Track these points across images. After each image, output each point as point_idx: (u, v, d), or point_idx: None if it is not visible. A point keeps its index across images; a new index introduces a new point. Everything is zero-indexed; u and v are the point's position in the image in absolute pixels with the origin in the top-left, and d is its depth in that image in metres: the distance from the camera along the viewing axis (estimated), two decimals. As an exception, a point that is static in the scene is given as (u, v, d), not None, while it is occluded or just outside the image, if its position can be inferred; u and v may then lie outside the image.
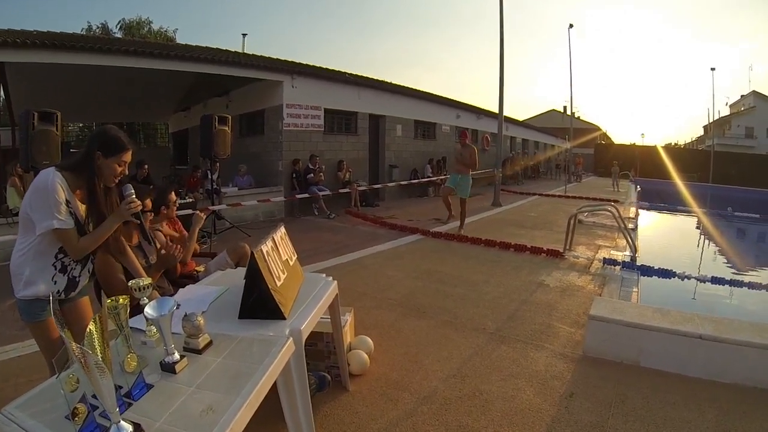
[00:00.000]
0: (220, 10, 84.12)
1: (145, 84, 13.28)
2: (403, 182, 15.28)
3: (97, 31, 32.35)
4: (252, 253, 2.10)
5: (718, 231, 14.61)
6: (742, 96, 55.61)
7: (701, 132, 59.43)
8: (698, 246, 11.82)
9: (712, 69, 56.87)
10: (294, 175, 11.72)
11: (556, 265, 6.79)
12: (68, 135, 21.59)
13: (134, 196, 2.34)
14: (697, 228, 15.19)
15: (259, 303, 2.09)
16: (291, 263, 2.55)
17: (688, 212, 17.34)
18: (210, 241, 8.08)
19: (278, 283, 2.18)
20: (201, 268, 3.94)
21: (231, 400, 1.49)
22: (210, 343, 1.87)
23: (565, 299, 5.20)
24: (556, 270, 6.50)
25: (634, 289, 5.80)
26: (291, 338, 1.92)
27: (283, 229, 2.70)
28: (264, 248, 2.20)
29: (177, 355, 1.71)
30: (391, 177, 15.33)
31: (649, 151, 39.83)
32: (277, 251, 2.38)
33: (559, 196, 17.80)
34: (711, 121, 45.36)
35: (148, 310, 1.68)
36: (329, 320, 2.93)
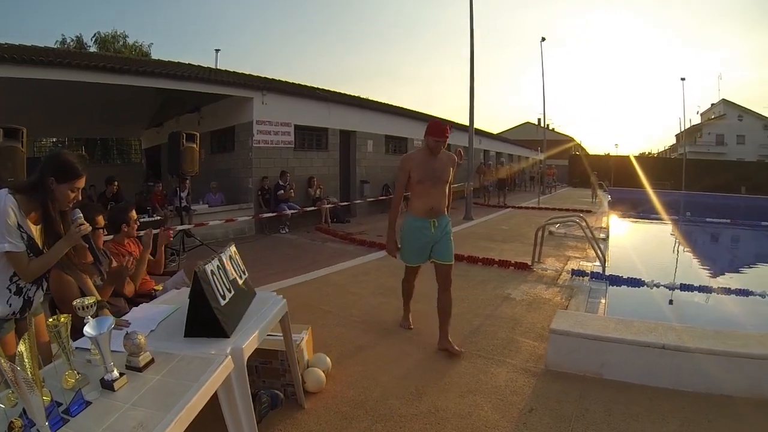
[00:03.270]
0: (194, 25, 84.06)
1: (118, 99, 13.19)
2: (374, 198, 15.35)
3: (72, 44, 32.02)
4: (195, 272, 2.16)
5: (690, 238, 14.96)
6: (712, 104, 57.56)
7: (674, 141, 60.86)
8: (671, 253, 11.99)
9: (682, 79, 58.37)
10: (260, 193, 11.74)
11: (524, 278, 6.86)
12: (40, 150, 21.32)
13: (82, 218, 2.36)
14: (670, 235, 15.51)
15: (202, 322, 2.15)
16: (240, 282, 2.60)
17: (660, 220, 17.70)
18: (179, 258, 8.06)
19: (222, 302, 2.23)
20: (159, 288, 3.95)
21: (162, 416, 1.55)
22: (151, 361, 1.92)
23: (530, 313, 5.25)
24: (523, 283, 6.58)
25: (602, 300, 5.88)
26: (229, 356, 1.97)
27: (233, 248, 2.76)
28: (209, 268, 2.25)
29: (116, 373, 1.76)
30: (363, 193, 15.39)
31: (623, 161, 40.66)
32: (224, 270, 2.44)
33: (532, 208, 17.98)
34: (682, 129, 46.84)
35: (87, 329, 1.74)
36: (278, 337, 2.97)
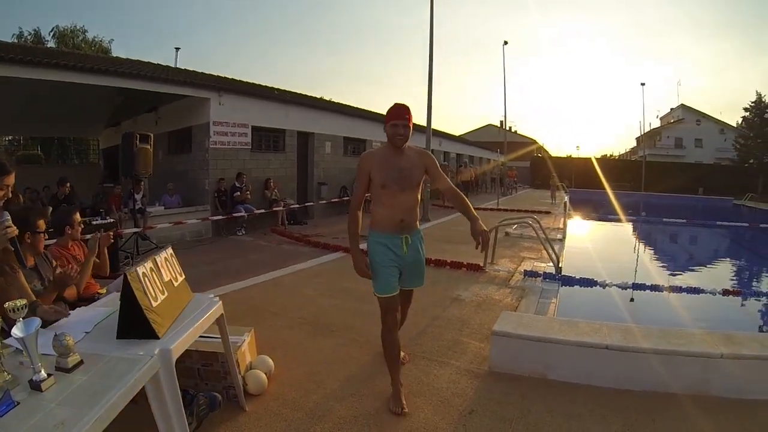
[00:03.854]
0: (156, 21, 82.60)
1: (74, 98, 12.94)
2: (332, 200, 15.40)
3: (29, 38, 31.29)
4: (125, 275, 2.21)
5: (646, 238, 15.49)
6: (671, 109, 59.72)
7: (635, 143, 62.67)
8: (627, 253, 12.39)
9: (642, 84, 61.22)
10: (217, 195, 11.71)
11: (476, 280, 6.96)
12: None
13: (9, 221, 2.37)
14: (627, 235, 16.04)
15: (133, 323, 2.19)
16: (175, 284, 2.65)
17: (618, 221, 18.21)
18: (133, 262, 8.00)
19: (154, 304, 2.28)
20: (103, 291, 3.95)
21: (83, 414, 1.60)
22: (80, 363, 1.96)
23: (479, 314, 5.31)
24: (474, 284, 6.68)
25: (553, 301, 5.98)
26: (156, 357, 2.04)
27: (170, 251, 2.81)
28: (140, 270, 2.31)
29: (44, 374, 1.80)
30: (320, 195, 15.41)
31: (585, 163, 41.92)
32: (158, 272, 2.49)
33: (491, 210, 18.17)
34: (642, 133, 48.48)
35: (14, 331, 1.78)
36: (218, 339, 3.02)
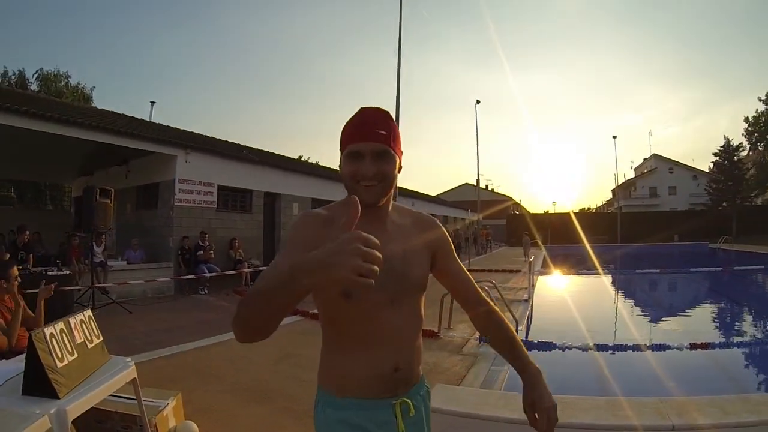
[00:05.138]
0: (137, 72, 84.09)
1: (44, 144, 13.01)
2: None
3: (13, 77, 31.85)
4: (30, 335, 2.34)
5: (620, 290, 15.57)
6: (644, 159, 62.32)
7: (610, 195, 64.40)
8: (599, 309, 12.22)
9: (614, 137, 65.16)
10: (180, 252, 11.78)
11: (428, 346, 6.62)
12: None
13: None
14: (602, 290, 16.11)
15: (36, 381, 2.32)
16: (89, 345, 2.76)
17: (592, 274, 18.42)
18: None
19: (59, 364, 2.40)
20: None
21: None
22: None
23: None
24: (426, 351, 6.36)
25: (505, 369, 5.55)
26: (48, 415, 2.15)
27: (88, 313, 2.92)
28: (48, 330, 2.43)
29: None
30: (286, 256, 15.39)
31: (562, 218, 42.78)
32: (70, 334, 2.61)
33: None
34: (617, 185, 50.00)
35: None
36: (136, 402, 3.10)
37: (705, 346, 6.89)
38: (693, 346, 6.81)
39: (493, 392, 4.22)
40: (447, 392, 3.80)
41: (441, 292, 7.88)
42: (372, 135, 1.39)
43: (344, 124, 1.46)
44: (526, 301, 10.71)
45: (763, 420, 3.02)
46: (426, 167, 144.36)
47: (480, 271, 17.40)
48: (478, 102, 30.57)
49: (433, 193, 44.49)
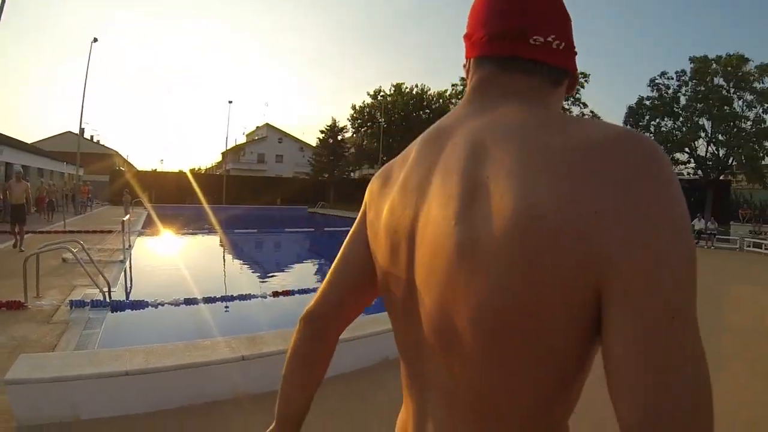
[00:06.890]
0: None
1: None
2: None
3: None
4: None
5: (220, 249, 16.74)
6: (257, 127, 66.60)
7: (221, 158, 66.97)
8: (199, 267, 12.90)
9: (230, 102, 68.07)
10: None
11: (15, 319, 6.05)
12: None
13: None
14: (205, 248, 17.29)
15: None
16: None
17: (198, 233, 19.51)
18: None
19: None
20: None
21: None
22: None
23: (11, 361, 4.45)
24: (13, 325, 5.80)
25: (97, 331, 5.66)
26: None
27: None
28: None
29: None
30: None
31: (172, 177, 42.71)
32: None
33: (55, 233, 16.15)
34: (227, 148, 52.61)
35: None
36: None
37: (287, 293, 8.11)
38: (275, 294, 7.97)
39: (74, 353, 4.27)
40: (32, 361, 3.75)
41: (22, 257, 7.16)
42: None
43: None
44: (122, 261, 10.64)
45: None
46: (21, 108, 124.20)
47: (76, 233, 15.97)
48: (95, 40, 27.79)
49: (29, 140, 37.81)
